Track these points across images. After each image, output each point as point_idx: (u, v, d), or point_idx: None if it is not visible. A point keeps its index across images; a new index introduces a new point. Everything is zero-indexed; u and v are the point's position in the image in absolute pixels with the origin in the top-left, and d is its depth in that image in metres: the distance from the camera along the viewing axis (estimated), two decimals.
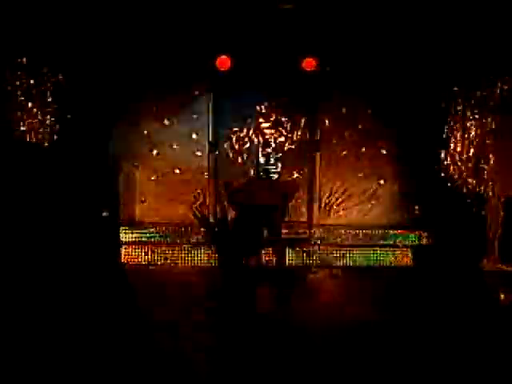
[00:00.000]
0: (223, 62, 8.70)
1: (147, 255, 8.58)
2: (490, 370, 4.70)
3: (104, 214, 7.91)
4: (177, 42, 8.27)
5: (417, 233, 8.81)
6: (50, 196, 5.95)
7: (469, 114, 8.00)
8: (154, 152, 9.27)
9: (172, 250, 8.63)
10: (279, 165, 9.24)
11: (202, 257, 8.60)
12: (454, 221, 8.26)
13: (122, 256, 8.41)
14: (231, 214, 7.94)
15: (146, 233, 8.74)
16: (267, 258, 7.95)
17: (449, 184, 8.25)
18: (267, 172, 8.97)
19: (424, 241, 8.74)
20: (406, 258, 8.60)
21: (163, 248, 8.62)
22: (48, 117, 7.69)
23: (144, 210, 9.21)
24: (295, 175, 9.45)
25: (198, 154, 9.31)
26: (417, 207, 9.18)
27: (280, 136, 9.42)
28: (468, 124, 8.00)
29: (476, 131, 7.95)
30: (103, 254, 6.45)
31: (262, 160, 9.29)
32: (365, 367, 4.77)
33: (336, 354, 5.04)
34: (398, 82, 8.92)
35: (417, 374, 4.68)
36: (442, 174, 8.27)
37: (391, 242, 8.72)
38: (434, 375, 4.66)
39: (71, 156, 7.72)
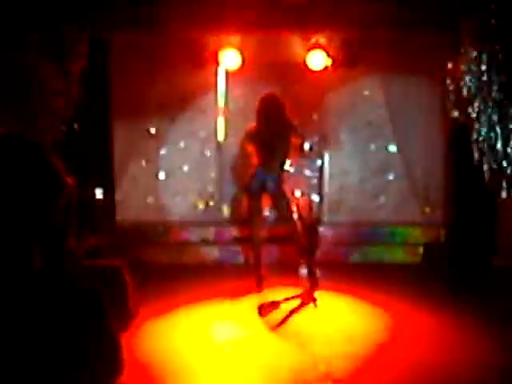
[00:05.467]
0: (230, 56, 8.61)
1: (155, 253, 8.54)
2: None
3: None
4: (181, 36, 8.18)
5: (427, 229, 8.70)
6: (52, 194, 5.84)
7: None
8: (162, 150, 9.21)
9: (180, 248, 8.59)
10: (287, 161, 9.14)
11: (211, 254, 8.56)
12: (466, 217, 8.14)
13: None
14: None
15: (154, 231, 8.72)
16: None
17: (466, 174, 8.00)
18: None
19: (435, 238, 8.63)
20: (416, 256, 8.48)
21: (171, 246, 8.59)
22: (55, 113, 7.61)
23: (151, 208, 9.15)
24: (305, 171, 9.39)
25: (207, 152, 9.24)
26: (427, 203, 9.08)
27: None
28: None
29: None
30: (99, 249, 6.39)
31: None
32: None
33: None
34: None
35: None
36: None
37: (401, 239, 8.62)
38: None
39: (76, 154, 7.68)
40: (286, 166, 7.42)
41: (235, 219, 8.88)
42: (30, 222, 1.71)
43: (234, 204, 9.05)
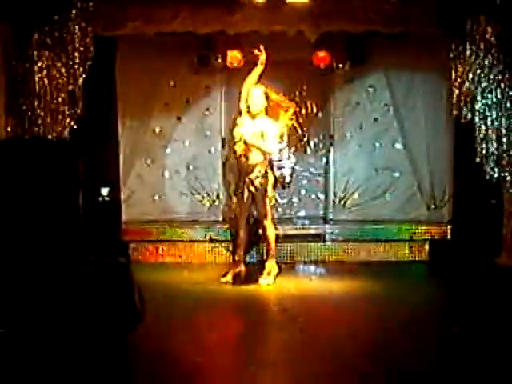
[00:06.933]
0: (234, 57, 8.59)
1: (161, 253, 8.54)
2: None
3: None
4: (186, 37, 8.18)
5: (433, 227, 8.68)
6: (57, 193, 5.85)
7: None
8: (167, 149, 9.20)
9: (186, 247, 8.59)
10: (293, 160, 9.12)
11: (217, 253, 8.55)
12: (472, 214, 8.12)
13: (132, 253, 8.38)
14: None
15: (160, 230, 8.72)
16: None
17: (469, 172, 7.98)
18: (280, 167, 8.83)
19: (441, 235, 8.61)
20: (422, 253, 8.47)
21: (178, 245, 8.59)
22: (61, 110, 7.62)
23: (157, 207, 9.15)
24: (310, 169, 9.39)
25: (212, 150, 9.24)
26: (433, 201, 9.05)
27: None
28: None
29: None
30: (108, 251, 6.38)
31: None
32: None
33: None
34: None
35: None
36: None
37: (407, 237, 8.60)
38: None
39: (81, 152, 7.70)
40: (286, 161, 7.47)
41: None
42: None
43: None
